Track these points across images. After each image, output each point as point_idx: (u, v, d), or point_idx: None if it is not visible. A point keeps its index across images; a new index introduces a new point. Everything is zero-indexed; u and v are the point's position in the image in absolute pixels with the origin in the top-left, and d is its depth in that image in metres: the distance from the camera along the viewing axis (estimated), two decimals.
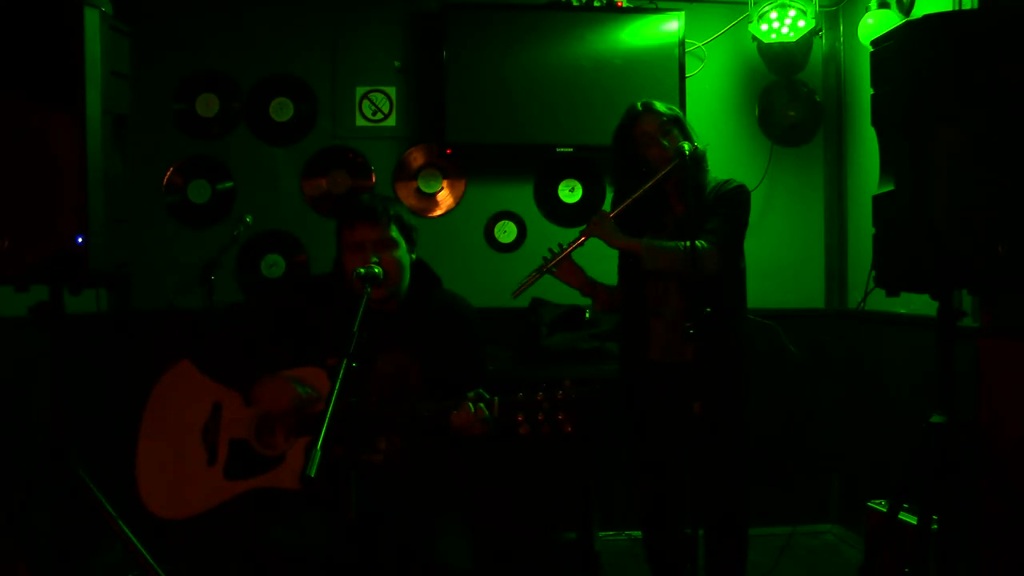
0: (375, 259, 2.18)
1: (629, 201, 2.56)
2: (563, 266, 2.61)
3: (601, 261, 2.77)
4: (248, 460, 2.19)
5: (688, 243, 2.34)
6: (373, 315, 2.17)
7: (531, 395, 2.04)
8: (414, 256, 2.35)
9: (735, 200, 2.63)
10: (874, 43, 2.29)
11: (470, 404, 2.06)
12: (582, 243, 2.57)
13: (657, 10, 3.79)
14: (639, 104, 2.67)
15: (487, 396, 2.09)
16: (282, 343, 2.30)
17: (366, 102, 3.82)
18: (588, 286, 2.69)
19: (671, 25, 3.76)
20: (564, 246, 2.58)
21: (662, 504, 2.74)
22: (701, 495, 2.45)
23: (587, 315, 3.51)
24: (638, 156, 2.64)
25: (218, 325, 2.40)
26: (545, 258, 2.59)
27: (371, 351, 2.22)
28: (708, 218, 2.58)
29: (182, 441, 2.23)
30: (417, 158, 3.85)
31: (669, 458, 2.72)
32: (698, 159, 2.58)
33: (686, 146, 2.47)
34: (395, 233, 2.27)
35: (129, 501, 2.18)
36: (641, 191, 2.54)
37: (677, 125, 2.64)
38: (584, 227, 2.59)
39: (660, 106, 2.65)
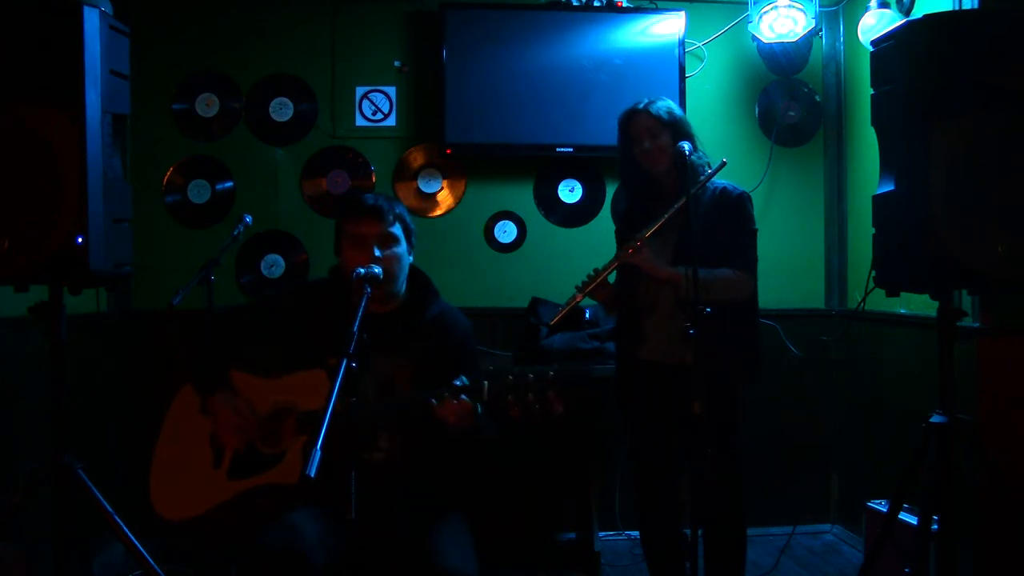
0: (377, 254, 2.20)
1: (663, 221, 2.54)
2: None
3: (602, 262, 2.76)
4: (252, 461, 2.20)
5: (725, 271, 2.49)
6: (372, 317, 2.13)
7: (521, 377, 2.02)
8: (412, 258, 2.36)
9: (744, 214, 2.65)
10: (874, 43, 2.29)
11: (452, 398, 2.03)
12: (615, 268, 2.60)
13: (657, 10, 3.79)
14: (642, 102, 2.67)
15: (472, 383, 2.05)
16: (280, 345, 2.31)
17: (366, 102, 3.82)
18: (611, 299, 2.71)
19: (671, 25, 3.75)
20: (599, 270, 2.58)
21: (660, 504, 2.74)
22: (698, 495, 2.44)
23: (587, 315, 3.51)
24: (632, 153, 2.66)
25: (210, 327, 2.42)
26: (580, 285, 2.57)
27: (368, 352, 2.21)
28: (711, 225, 2.58)
29: (192, 446, 2.26)
30: (417, 158, 3.85)
31: (665, 458, 2.72)
32: (695, 168, 2.57)
33: (686, 145, 2.48)
34: (397, 231, 2.29)
35: (131, 500, 2.18)
36: (672, 211, 2.53)
37: (672, 129, 2.62)
38: (619, 252, 2.59)
39: (658, 108, 2.63)
